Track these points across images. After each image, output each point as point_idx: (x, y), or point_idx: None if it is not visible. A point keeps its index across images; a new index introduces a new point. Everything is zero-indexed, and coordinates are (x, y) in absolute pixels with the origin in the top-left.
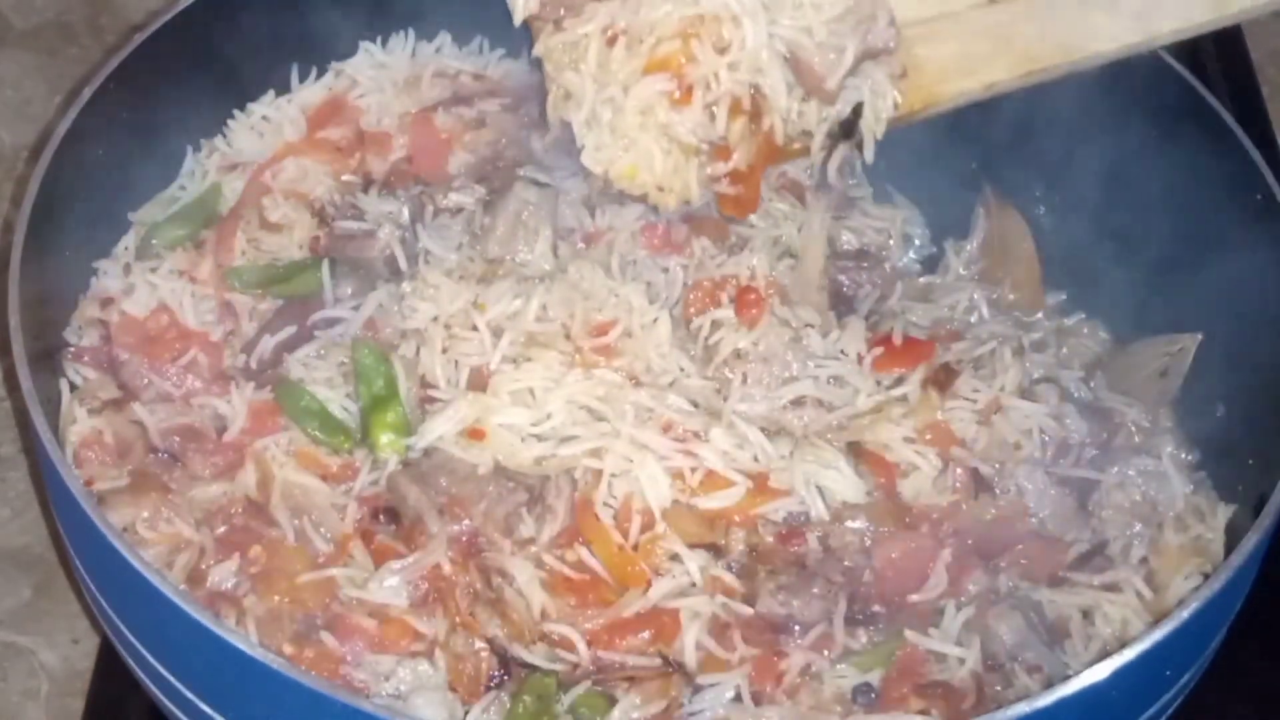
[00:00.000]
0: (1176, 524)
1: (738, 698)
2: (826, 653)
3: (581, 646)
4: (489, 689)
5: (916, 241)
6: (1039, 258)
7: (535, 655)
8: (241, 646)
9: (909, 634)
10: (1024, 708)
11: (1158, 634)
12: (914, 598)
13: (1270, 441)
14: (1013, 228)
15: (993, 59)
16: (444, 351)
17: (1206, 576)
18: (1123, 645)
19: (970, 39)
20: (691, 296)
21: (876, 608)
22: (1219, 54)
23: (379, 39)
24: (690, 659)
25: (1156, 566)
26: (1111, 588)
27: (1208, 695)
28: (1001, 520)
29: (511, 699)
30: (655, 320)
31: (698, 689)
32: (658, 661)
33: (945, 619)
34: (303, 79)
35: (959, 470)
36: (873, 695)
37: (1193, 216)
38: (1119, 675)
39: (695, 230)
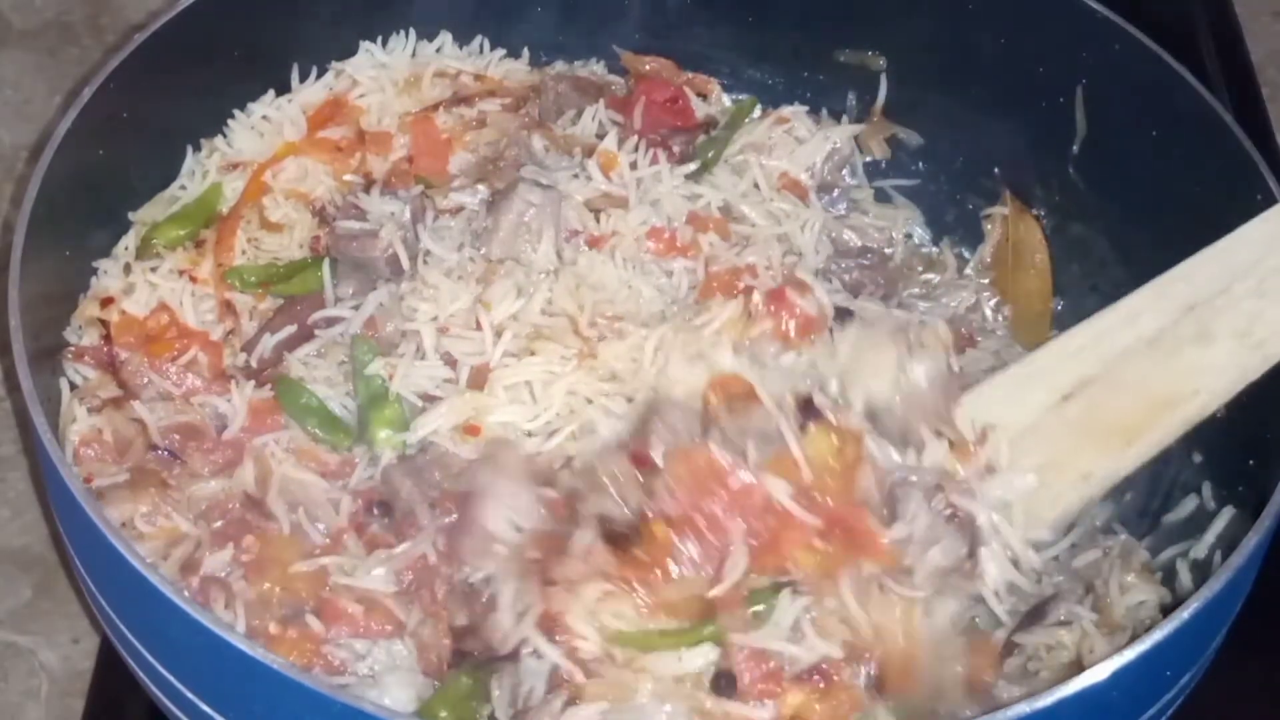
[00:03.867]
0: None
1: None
2: None
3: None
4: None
5: (917, 241)
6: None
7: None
8: (242, 646)
9: None
10: (1024, 708)
11: (1158, 634)
12: None
13: (1270, 441)
14: (1028, 237)
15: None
16: (423, 358)
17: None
18: (1123, 649)
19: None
20: (710, 286)
21: None
22: (1219, 54)
23: (379, 39)
24: None
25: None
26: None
27: (1208, 695)
28: None
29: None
30: (673, 307)
31: None
32: None
33: None
34: (303, 79)
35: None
36: None
37: (1193, 216)
38: (1119, 675)
39: (699, 228)
